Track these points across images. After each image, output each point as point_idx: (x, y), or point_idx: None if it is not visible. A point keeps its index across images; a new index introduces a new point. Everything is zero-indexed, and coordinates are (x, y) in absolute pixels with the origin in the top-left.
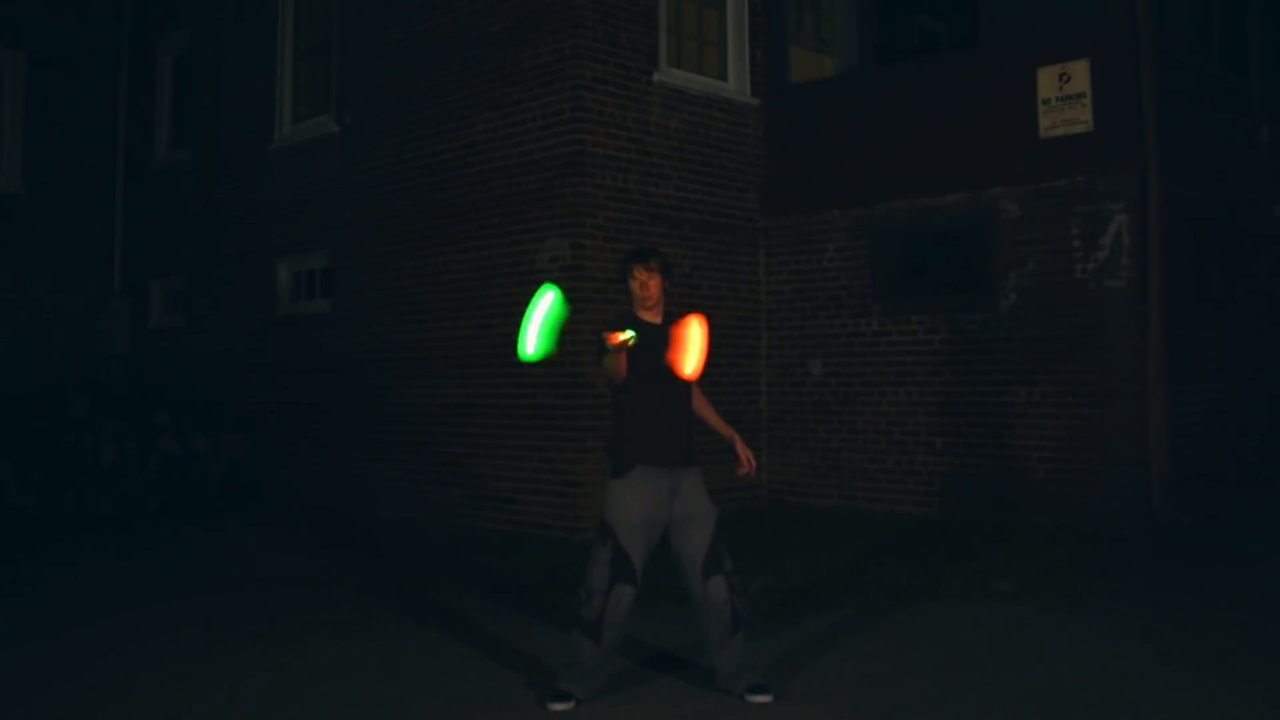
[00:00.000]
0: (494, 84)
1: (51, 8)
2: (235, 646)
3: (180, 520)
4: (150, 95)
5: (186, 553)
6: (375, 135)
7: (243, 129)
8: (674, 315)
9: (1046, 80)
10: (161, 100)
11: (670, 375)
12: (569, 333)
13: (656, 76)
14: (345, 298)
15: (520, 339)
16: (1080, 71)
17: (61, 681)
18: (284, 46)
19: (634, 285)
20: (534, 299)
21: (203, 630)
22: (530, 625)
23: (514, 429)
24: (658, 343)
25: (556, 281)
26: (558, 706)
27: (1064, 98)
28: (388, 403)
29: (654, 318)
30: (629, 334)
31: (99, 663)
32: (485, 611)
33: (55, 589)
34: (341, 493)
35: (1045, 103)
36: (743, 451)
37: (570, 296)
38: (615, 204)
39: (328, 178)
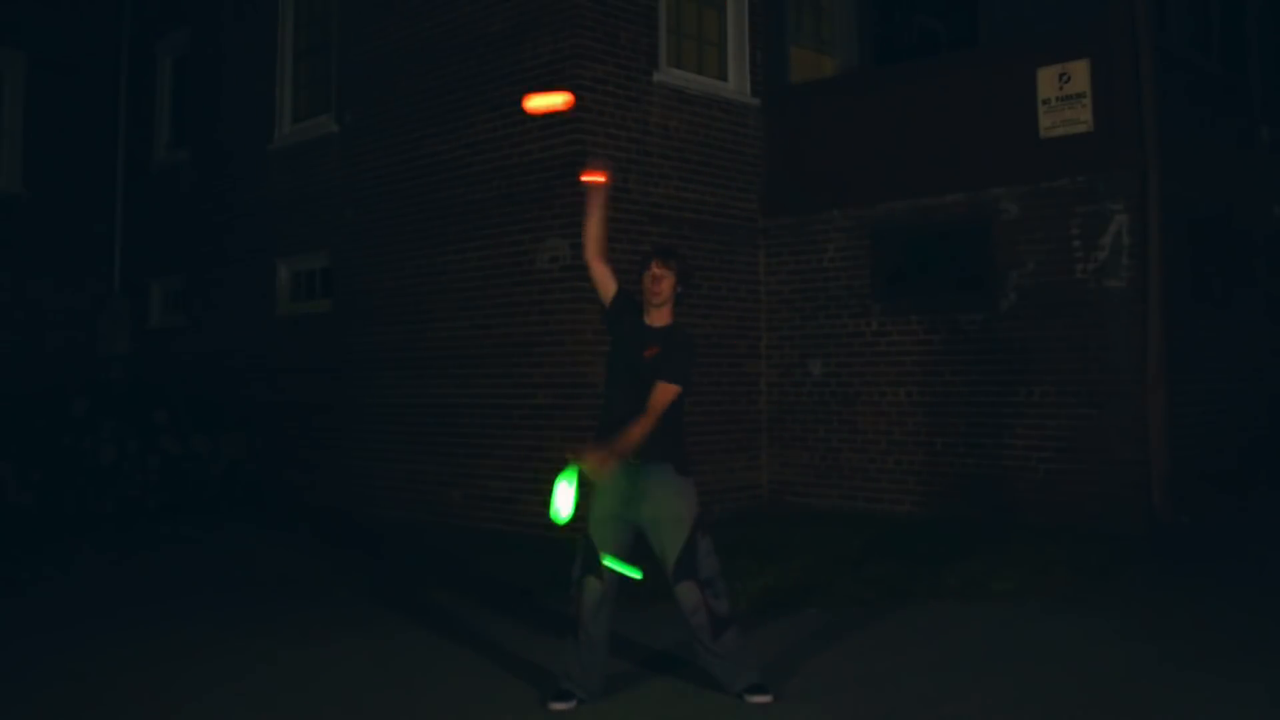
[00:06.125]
0: (494, 84)
1: (51, 8)
2: (234, 646)
3: (180, 520)
4: (150, 95)
5: (186, 552)
6: (375, 135)
7: (243, 129)
8: (680, 326)
9: (1046, 80)
10: (161, 100)
11: (644, 376)
12: (571, 333)
13: (656, 76)
14: (345, 298)
15: (551, 506)
16: (1080, 71)
17: (60, 680)
18: (284, 46)
19: (646, 279)
20: (559, 477)
21: (202, 630)
22: (530, 625)
23: (514, 429)
24: (642, 344)
25: (557, 281)
26: (558, 706)
27: (1064, 98)
28: (388, 403)
29: (657, 319)
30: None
31: (97, 661)
32: (485, 612)
33: (55, 588)
34: (341, 493)
35: (1045, 103)
36: None
37: (570, 296)
38: (615, 204)
39: (328, 178)
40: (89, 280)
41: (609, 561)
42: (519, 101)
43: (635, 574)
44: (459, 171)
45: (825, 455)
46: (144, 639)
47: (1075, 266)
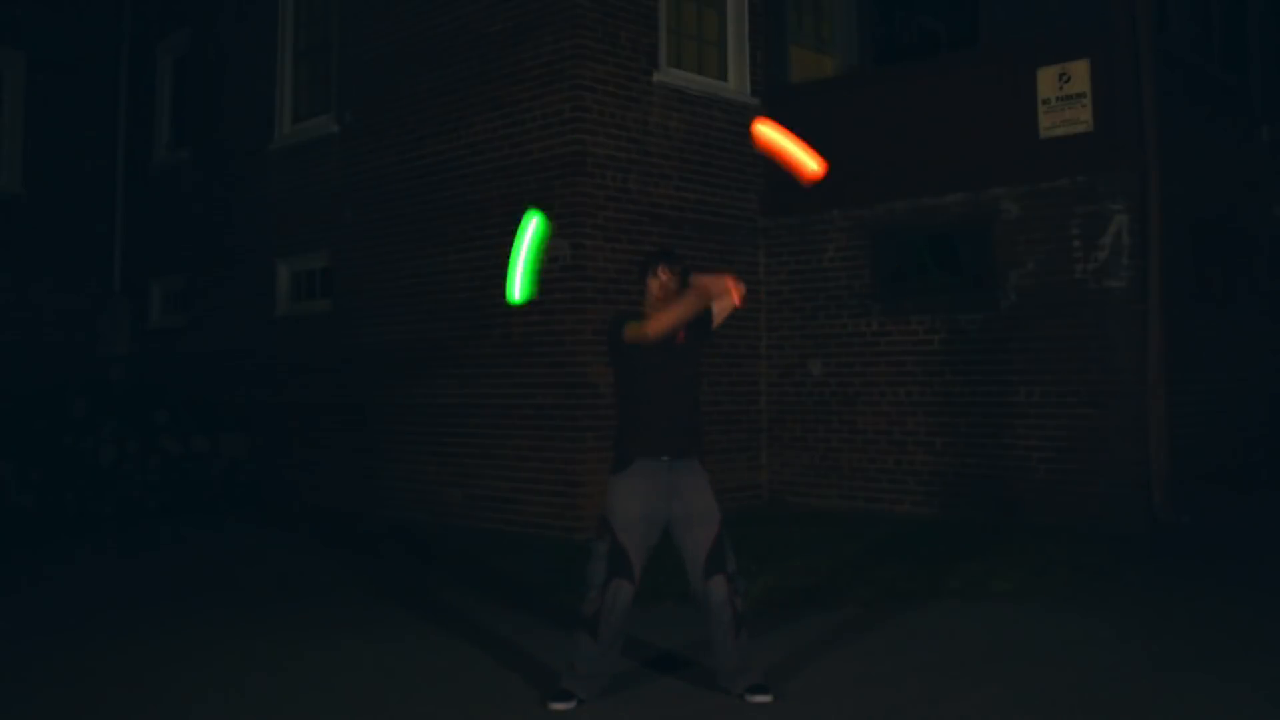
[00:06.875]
0: (494, 84)
1: (51, 8)
2: (235, 646)
3: (180, 520)
4: (150, 95)
5: (186, 553)
6: (375, 135)
7: (243, 129)
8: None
9: (1046, 80)
10: (161, 100)
11: (671, 369)
12: (571, 332)
13: (656, 76)
14: (345, 298)
15: (508, 282)
16: (1080, 71)
17: (60, 681)
18: (284, 46)
19: (653, 284)
20: (520, 229)
21: (202, 630)
22: (530, 625)
23: (514, 429)
24: (660, 340)
25: (557, 281)
26: (559, 706)
27: (1064, 98)
28: (388, 402)
29: None
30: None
31: (98, 662)
32: (485, 611)
33: (55, 588)
34: (341, 493)
35: (1045, 103)
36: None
37: (570, 296)
38: (615, 204)
39: (328, 178)
40: (89, 280)
41: None
42: (519, 101)
43: None
44: (459, 171)
45: (825, 455)
46: (146, 640)
47: (1075, 266)
